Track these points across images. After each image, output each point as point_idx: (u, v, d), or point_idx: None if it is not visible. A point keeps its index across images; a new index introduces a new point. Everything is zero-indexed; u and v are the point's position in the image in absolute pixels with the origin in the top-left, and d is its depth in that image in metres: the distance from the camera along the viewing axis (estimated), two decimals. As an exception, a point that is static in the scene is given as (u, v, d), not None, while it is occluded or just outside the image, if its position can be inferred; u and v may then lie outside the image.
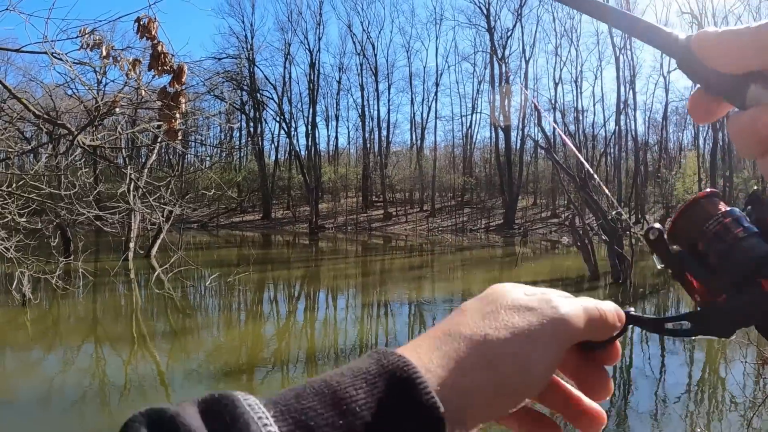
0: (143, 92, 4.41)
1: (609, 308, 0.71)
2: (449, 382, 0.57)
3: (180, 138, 4.22)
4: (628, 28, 0.71)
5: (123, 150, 19.25)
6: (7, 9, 5.16)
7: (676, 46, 0.65)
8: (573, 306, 0.67)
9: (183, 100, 3.79)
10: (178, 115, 3.70)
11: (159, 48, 3.62)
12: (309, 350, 13.10)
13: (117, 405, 8.80)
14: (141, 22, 3.60)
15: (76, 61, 4.92)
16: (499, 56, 63.68)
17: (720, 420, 8.19)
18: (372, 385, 0.54)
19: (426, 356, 0.59)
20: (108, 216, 14.32)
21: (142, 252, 26.21)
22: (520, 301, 0.67)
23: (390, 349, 0.58)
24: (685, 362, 12.03)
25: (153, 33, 3.61)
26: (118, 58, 4.08)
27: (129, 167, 15.28)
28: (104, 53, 4.12)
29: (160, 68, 3.64)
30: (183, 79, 3.69)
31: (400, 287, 22.99)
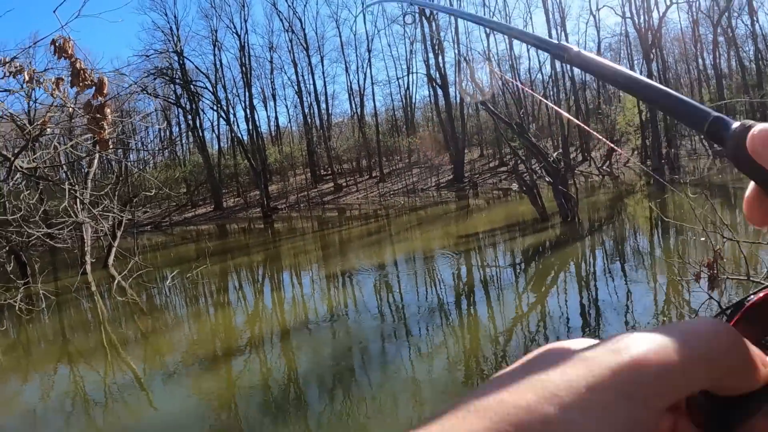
0: (71, 108, 4.54)
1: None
2: None
3: (112, 147, 4.37)
4: (655, 100, 0.72)
5: (63, 166, 19.13)
6: None
7: (726, 134, 0.60)
8: (657, 342, 0.44)
9: (108, 111, 3.93)
10: (106, 126, 3.85)
11: (78, 65, 3.75)
12: (282, 330, 13.25)
13: (102, 421, 8.85)
14: (57, 44, 3.74)
15: (1, 89, 5.03)
16: (427, 14, 63.62)
17: None
18: None
19: None
20: (58, 232, 14.29)
21: (95, 261, 25.97)
22: (571, 353, 0.46)
23: None
24: (649, 289, 12.49)
25: (70, 52, 3.75)
26: (41, 81, 4.22)
27: (67, 183, 15.20)
28: (27, 78, 4.25)
29: (81, 84, 3.78)
30: (105, 91, 3.83)
31: (361, 255, 23.25)
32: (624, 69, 0.73)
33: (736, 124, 0.59)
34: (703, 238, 8.32)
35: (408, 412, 7.38)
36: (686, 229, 13.05)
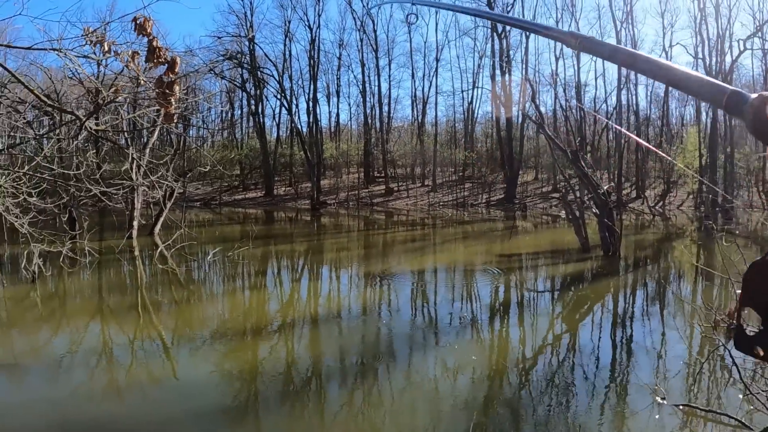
0: (142, 81, 4.85)
1: None
2: None
3: (175, 121, 4.68)
4: (674, 80, 0.73)
5: (125, 132, 19.76)
6: (18, 14, 5.66)
7: (744, 107, 0.65)
8: None
9: (177, 88, 4.25)
10: (173, 101, 4.16)
11: (154, 43, 4.06)
12: (312, 321, 13.34)
13: (124, 383, 8.99)
14: (138, 22, 4.06)
15: (81, 55, 5.38)
16: (499, 31, 63.64)
17: (718, 397, 8.57)
18: None
19: None
20: (114, 192, 14.76)
21: (143, 227, 26.50)
22: None
23: None
24: (680, 333, 12.50)
25: (149, 30, 4.07)
26: (119, 52, 4.55)
27: (131, 148, 15.69)
28: (106, 49, 4.60)
29: (155, 61, 4.09)
30: (176, 70, 4.15)
31: (402, 260, 23.45)
32: (639, 52, 0.79)
33: (753, 96, 0.66)
34: (738, 291, 8.37)
35: (425, 423, 7.51)
36: (729, 278, 13.17)
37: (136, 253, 22.54)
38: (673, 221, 45.65)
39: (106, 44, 4.57)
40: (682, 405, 7.74)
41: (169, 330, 12.45)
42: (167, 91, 3.93)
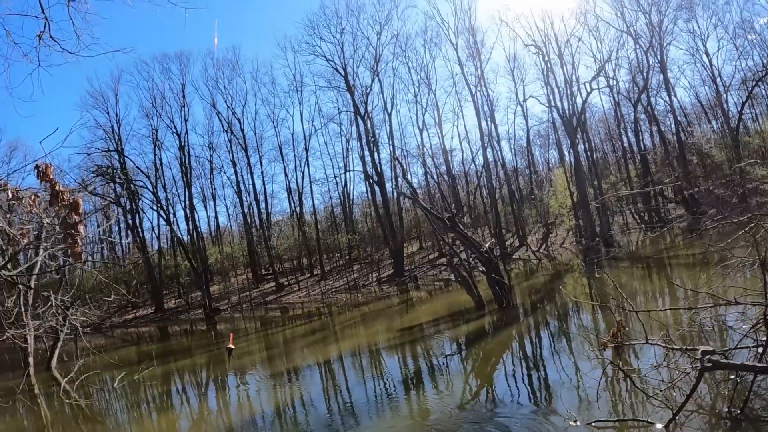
0: (45, 223, 5.08)
1: None
2: None
3: (83, 261, 4.95)
4: None
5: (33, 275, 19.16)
6: None
7: None
8: None
9: (82, 228, 4.52)
10: (79, 241, 4.41)
11: (56, 187, 4.35)
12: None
13: None
14: (40, 169, 4.35)
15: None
16: (362, 113, 65.26)
17: (621, 407, 9.15)
18: None
19: None
20: (16, 335, 14.37)
21: (37, 363, 25.61)
22: None
23: None
24: (578, 364, 13.20)
25: (50, 176, 4.36)
26: (21, 198, 4.79)
27: (57, 294, 15.19)
28: (10, 195, 4.85)
29: (59, 204, 4.36)
30: (79, 211, 4.43)
31: (306, 354, 23.48)
32: None
33: None
34: (617, 316, 9.16)
35: None
36: (608, 304, 14.09)
37: (37, 391, 21.69)
38: (559, 260, 47.46)
39: (9, 191, 4.81)
40: (594, 422, 8.38)
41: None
42: (73, 231, 4.18)
